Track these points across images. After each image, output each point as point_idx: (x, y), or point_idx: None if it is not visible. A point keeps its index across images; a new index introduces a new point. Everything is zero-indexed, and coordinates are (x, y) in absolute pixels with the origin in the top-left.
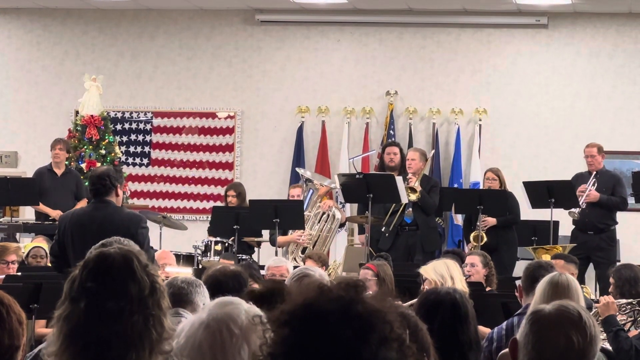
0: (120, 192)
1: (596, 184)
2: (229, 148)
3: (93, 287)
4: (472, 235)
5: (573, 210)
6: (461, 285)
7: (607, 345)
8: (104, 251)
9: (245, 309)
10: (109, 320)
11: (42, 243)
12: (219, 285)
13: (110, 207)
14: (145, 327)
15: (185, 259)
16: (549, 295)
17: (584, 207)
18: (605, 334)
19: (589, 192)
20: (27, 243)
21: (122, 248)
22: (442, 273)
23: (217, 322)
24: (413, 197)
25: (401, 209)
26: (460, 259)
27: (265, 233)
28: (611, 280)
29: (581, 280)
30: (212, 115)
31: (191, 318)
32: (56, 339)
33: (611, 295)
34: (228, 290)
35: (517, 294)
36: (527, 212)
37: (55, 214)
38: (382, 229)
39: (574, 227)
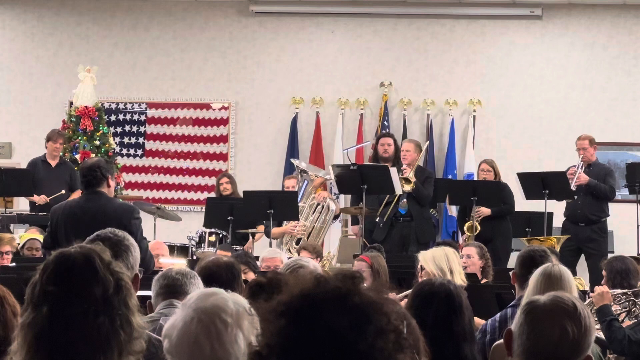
0: (112, 183)
1: (583, 167)
2: (223, 139)
3: (55, 291)
4: (466, 225)
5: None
6: (460, 279)
7: (601, 335)
8: (64, 252)
9: (230, 297)
10: (74, 324)
11: (36, 234)
12: (212, 276)
13: (102, 199)
14: (112, 328)
15: (180, 250)
16: (542, 286)
17: (574, 189)
18: (599, 324)
19: (578, 174)
20: (21, 234)
21: (83, 247)
22: (442, 266)
23: (209, 315)
24: (407, 187)
25: (395, 200)
26: None
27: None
28: (603, 272)
29: (573, 271)
30: (207, 106)
31: (176, 316)
32: (21, 348)
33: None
34: (221, 281)
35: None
36: (521, 203)
37: (39, 199)
38: (377, 220)
39: (565, 218)
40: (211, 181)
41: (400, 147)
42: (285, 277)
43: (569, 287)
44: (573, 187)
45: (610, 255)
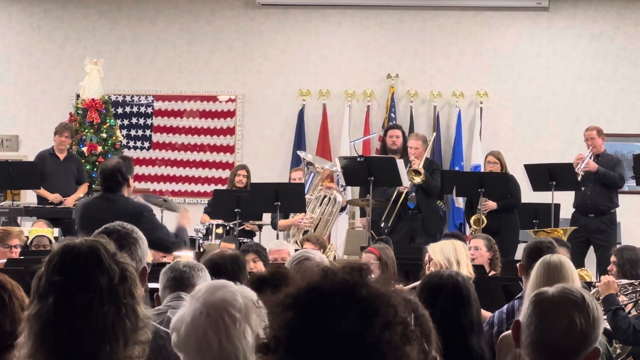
0: (131, 182)
1: (592, 158)
2: (230, 131)
3: (60, 281)
4: (472, 218)
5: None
6: (467, 271)
7: (606, 324)
8: (69, 243)
9: (239, 290)
10: (79, 314)
11: (44, 228)
12: (218, 268)
13: (118, 198)
14: (117, 317)
15: None
16: (543, 276)
17: (582, 174)
18: (604, 313)
19: (588, 161)
20: (29, 228)
21: (88, 239)
22: (449, 257)
23: (217, 309)
24: (418, 179)
25: (403, 196)
26: None
27: (267, 216)
28: (613, 259)
29: (581, 263)
30: (213, 99)
31: (184, 309)
32: (27, 339)
33: (611, 275)
34: (227, 273)
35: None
36: (528, 195)
37: (53, 197)
38: (382, 225)
39: (574, 210)
40: (218, 173)
41: (408, 142)
42: (288, 271)
43: (570, 277)
44: (580, 172)
45: (619, 245)
